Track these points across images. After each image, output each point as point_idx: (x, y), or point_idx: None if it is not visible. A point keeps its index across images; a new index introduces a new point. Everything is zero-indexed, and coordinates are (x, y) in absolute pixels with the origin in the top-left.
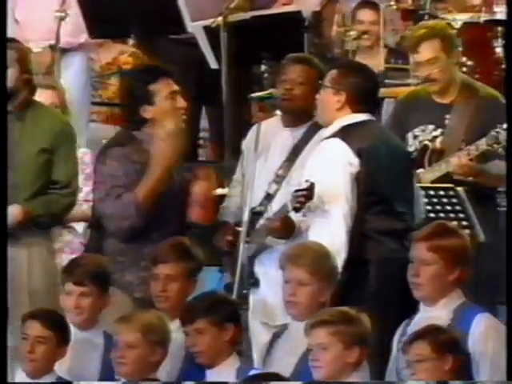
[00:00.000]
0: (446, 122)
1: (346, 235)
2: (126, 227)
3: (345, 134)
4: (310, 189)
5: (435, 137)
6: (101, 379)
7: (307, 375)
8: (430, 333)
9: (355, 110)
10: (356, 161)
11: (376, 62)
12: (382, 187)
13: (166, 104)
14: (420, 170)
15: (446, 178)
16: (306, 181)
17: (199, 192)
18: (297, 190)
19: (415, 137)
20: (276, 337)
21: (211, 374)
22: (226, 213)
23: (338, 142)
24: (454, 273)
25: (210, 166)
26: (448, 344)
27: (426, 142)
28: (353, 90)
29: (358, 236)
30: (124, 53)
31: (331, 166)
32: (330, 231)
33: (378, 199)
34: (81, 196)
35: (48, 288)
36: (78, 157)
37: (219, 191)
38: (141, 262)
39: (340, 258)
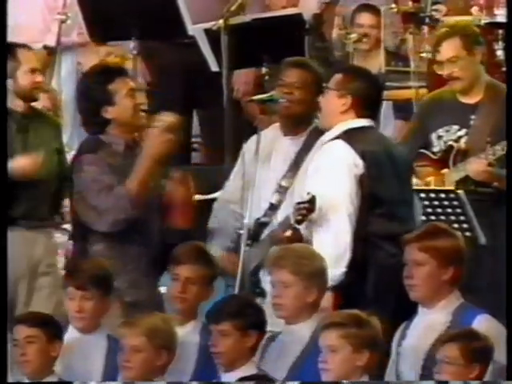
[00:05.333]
0: (471, 122)
1: (351, 235)
2: (121, 219)
3: (348, 136)
4: (312, 201)
5: (460, 137)
6: (104, 381)
7: (301, 378)
8: (464, 337)
9: (359, 115)
10: (360, 163)
11: (375, 65)
12: (384, 191)
13: (125, 102)
14: (445, 171)
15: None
16: (308, 193)
17: (176, 197)
18: (299, 203)
19: (439, 137)
20: (270, 340)
21: (228, 379)
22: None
23: (342, 144)
24: (448, 272)
25: (186, 171)
26: (478, 352)
27: (451, 143)
28: (358, 93)
29: (359, 239)
30: (110, 54)
31: (336, 168)
32: (336, 231)
33: (380, 203)
34: None
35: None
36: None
37: (198, 197)
38: (128, 266)
39: (345, 258)
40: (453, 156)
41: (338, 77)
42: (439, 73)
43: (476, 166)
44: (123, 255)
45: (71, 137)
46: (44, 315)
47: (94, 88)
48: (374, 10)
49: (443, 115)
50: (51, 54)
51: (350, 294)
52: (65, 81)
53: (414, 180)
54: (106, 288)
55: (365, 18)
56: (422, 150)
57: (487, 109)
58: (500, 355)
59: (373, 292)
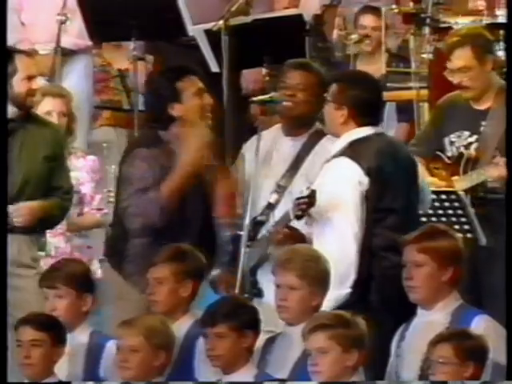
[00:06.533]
0: (482, 128)
1: (356, 257)
2: (149, 225)
3: (353, 151)
4: (312, 196)
5: (470, 143)
6: (84, 379)
7: (304, 378)
8: (456, 336)
9: (360, 123)
10: (366, 180)
11: (377, 67)
12: (390, 203)
13: (193, 101)
14: (455, 178)
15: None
16: (308, 188)
17: (223, 191)
18: (298, 198)
19: (451, 143)
20: (270, 342)
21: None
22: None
23: (347, 161)
24: (447, 273)
25: (227, 166)
26: (472, 351)
27: (462, 150)
28: (354, 103)
29: (364, 253)
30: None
31: (341, 186)
32: (341, 253)
33: (385, 215)
34: (93, 205)
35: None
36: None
37: None
38: None
39: (349, 280)
40: (463, 164)
41: (333, 87)
42: (450, 79)
43: (497, 172)
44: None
45: (81, 138)
46: (51, 318)
47: (163, 84)
48: (377, 11)
49: (456, 120)
50: (66, 55)
51: (349, 306)
52: (79, 82)
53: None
54: (81, 286)
55: (368, 20)
56: (438, 153)
57: (497, 114)
58: (500, 356)
59: (376, 302)
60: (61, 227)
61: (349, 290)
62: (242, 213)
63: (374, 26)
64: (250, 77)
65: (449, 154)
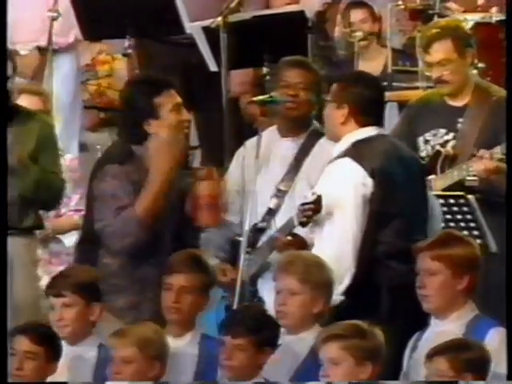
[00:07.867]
0: (459, 125)
1: (354, 261)
2: (129, 244)
3: (356, 152)
4: (318, 201)
5: (447, 141)
6: None
7: None
8: (452, 349)
9: (361, 123)
10: (370, 181)
11: (379, 65)
12: (395, 207)
13: (170, 117)
14: (432, 177)
15: (457, 184)
16: (313, 193)
17: (204, 193)
18: (303, 204)
19: (426, 141)
20: None
21: None
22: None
23: (350, 163)
24: (462, 282)
25: (211, 167)
26: (470, 362)
27: (439, 148)
28: (355, 101)
29: (368, 260)
30: (102, 52)
31: (343, 187)
32: (337, 258)
33: (390, 220)
34: (71, 205)
35: (32, 300)
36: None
37: None
38: (134, 286)
39: (342, 286)
40: (440, 162)
41: (334, 87)
42: (428, 75)
43: (483, 166)
44: (131, 274)
45: (70, 140)
46: (49, 331)
47: (139, 99)
48: (364, 5)
49: (431, 118)
50: (45, 54)
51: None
52: (63, 82)
53: None
54: (90, 295)
55: (355, 15)
56: None
57: (475, 111)
58: None
59: (385, 313)
60: (39, 232)
61: (341, 298)
62: (233, 219)
63: (363, 19)
64: (237, 79)
65: (423, 153)
